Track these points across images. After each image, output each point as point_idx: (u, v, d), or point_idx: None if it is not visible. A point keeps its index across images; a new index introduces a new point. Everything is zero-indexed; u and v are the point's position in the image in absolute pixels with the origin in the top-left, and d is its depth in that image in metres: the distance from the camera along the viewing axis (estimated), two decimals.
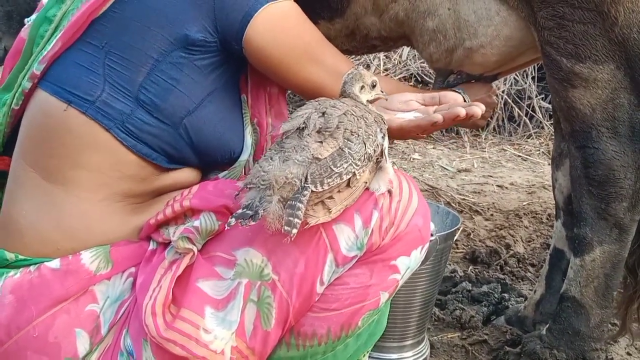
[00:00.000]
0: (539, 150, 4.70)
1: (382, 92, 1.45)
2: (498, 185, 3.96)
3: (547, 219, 3.36)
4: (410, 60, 5.11)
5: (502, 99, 4.91)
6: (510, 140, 4.87)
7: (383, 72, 5.05)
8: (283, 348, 1.39)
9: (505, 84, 4.94)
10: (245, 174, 1.53)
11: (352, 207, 1.32)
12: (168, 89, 1.40)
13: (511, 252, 2.97)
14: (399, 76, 5.03)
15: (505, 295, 2.50)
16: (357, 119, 1.31)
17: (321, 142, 1.27)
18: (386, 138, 1.36)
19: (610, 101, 1.83)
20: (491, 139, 4.88)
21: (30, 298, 1.36)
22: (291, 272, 1.32)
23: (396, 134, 1.49)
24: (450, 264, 2.77)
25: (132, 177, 1.42)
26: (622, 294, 2.10)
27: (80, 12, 1.41)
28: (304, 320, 1.37)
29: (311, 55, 1.51)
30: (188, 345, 1.30)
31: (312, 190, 1.22)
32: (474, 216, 3.40)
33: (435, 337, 2.23)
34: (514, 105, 4.97)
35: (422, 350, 2.08)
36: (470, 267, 2.84)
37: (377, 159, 1.33)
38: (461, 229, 3.11)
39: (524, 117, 4.95)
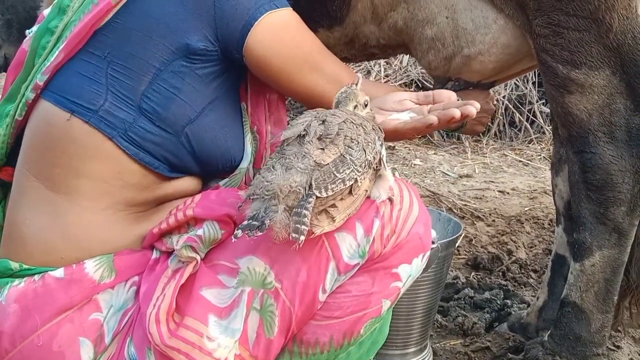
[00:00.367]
0: (540, 156, 4.69)
1: (372, 110, 1.45)
2: (499, 191, 3.95)
3: (549, 224, 3.34)
4: (410, 66, 5.11)
5: (503, 104, 4.90)
6: (512, 146, 4.86)
7: (384, 78, 5.06)
8: (286, 356, 1.39)
9: (506, 89, 4.94)
10: (245, 182, 1.54)
11: (353, 216, 1.32)
12: (170, 98, 1.41)
13: (513, 258, 2.95)
14: (400, 82, 5.03)
15: (508, 301, 2.49)
16: (357, 127, 1.32)
17: (322, 148, 1.27)
18: (384, 146, 1.37)
19: (606, 106, 1.84)
20: (492, 145, 4.87)
21: (35, 307, 1.37)
22: (294, 280, 1.32)
23: (391, 136, 1.49)
24: (452, 271, 2.76)
25: (134, 186, 1.43)
26: None
27: (83, 23, 1.42)
28: (306, 328, 1.37)
29: (311, 63, 1.52)
30: (192, 354, 1.30)
31: (316, 197, 1.22)
32: (475, 222, 3.39)
33: (437, 344, 2.22)
34: (514, 111, 4.96)
35: (425, 358, 2.08)
36: (473, 274, 2.83)
37: (376, 166, 1.34)
38: (463, 235, 3.10)
39: (525, 122, 4.94)
